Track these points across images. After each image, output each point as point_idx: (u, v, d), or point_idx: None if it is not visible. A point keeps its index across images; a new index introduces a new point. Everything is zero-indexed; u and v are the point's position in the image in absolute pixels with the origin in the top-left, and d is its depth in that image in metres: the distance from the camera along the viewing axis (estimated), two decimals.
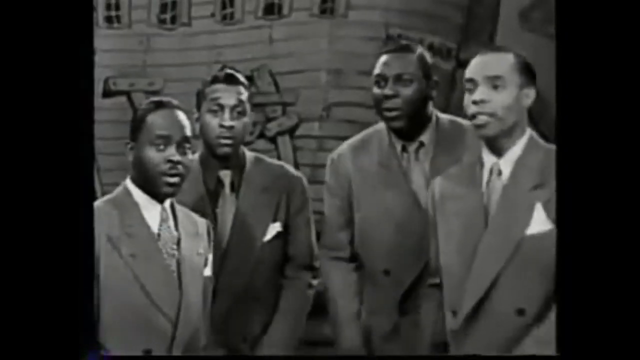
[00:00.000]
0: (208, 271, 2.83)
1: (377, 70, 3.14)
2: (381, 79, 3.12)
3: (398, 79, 3.10)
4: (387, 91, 3.09)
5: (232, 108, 3.08)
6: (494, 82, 2.64)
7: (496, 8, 4.73)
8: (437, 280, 2.83)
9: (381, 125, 3.22)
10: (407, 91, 3.10)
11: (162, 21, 4.73)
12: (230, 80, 3.12)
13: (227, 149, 3.09)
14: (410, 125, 3.11)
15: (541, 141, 2.73)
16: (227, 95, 3.09)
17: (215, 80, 3.13)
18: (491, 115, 2.63)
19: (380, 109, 3.13)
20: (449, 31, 4.73)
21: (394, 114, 3.09)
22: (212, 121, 3.08)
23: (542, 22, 4.62)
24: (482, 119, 2.64)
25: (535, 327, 2.60)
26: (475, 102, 2.64)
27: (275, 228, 3.17)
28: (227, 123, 3.07)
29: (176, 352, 2.67)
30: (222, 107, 3.08)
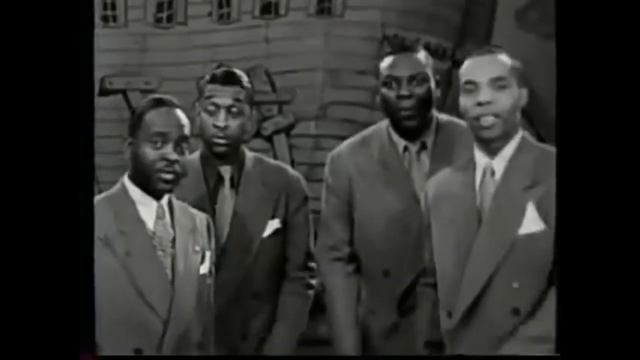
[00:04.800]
0: (205, 268, 2.83)
1: (386, 72, 3.12)
2: (393, 81, 3.10)
3: (411, 79, 3.10)
4: (403, 92, 3.08)
5: (228, 108, 3.09)
6: (498, 83, 2.66)
7: (492, 8, 4.74)
8: (431, 280, 2.84)
9: (382, 125, 3.22)
10: (421, 91, 3.10)
11: (158, 20, 4.72)
12: (227, 80, 3.12)
13: (222, 149, 3.10)
14: (418, 125, 3.12)
15: (533, 140, 2.74)
16: (222, 95, 3.09)
17: (213, 79, 3.13)
18: (497, 116, 2.65)
19: (392, 109, 3.12)
20: (445, 31, 4.73)
21: (409, 113, 3.09)
22: (208, 120, 3.10)
23: (539, 22, 4.62)
24: (488, 120, 2.65)
25: (529, 325, 2.60)
26: (480, 104, 2.65)
27: (274, 225, 3.18)
28: (221, 124, 3.07)
29: (166, 350, 2.68)
30: (217, 107, 3.09)
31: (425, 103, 3.10)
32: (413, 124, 3.11)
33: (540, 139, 4.04)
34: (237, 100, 3.10)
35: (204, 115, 3.11)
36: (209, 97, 3.10)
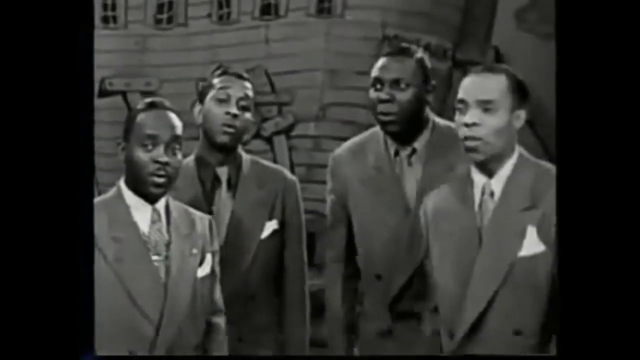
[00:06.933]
0: (204, 270, 2.83)
1: (374, 73, 3.11)
2: (378, 82, 3.09)
3: (395, 83, 3.07)
4: (383, 95, 3.06)
5: (239, 100, 3.12)
6: (485, 105, 2.62)
7: (493, 8, 4.75)
8: (434, 304, 2.82)
9: (379, 128, 3.22)
10: (403, 96, 3.07)
11: (158, 21, 4.73)
12: (240, 75, 3.17)
13: (227, 138, 3.11)
14: (404, 130, 3.09)
15: (530, 157, 2.71)
16: (236, 87, 3.13)
17: (224, 72, 3.16)
18: (481, 139, 2.62)
19: (375, 112, 3.11)
20: (445, 31, 4.74)
21: (388, 118, 3.06)
22: (218, 109, 3.11)
23: (538, 22, 4.63)
24: (472, 142, 2.63)
25: (532, 347, 2.59)
26: (466, 125, 2.63)
27: (271, 226, 3.18)
28: (233, 111, 3.10)
29: (157, 354, 2.67)
30: (229, 96, 3.11)
31: (407, 109, 3.07)
32: (393, 128, 3.09)
33: (540, 139, 4.07)
34: (247, 94, 3.14)
35: (213, 105, 3.12)
36: (223, 87, 3.13)
